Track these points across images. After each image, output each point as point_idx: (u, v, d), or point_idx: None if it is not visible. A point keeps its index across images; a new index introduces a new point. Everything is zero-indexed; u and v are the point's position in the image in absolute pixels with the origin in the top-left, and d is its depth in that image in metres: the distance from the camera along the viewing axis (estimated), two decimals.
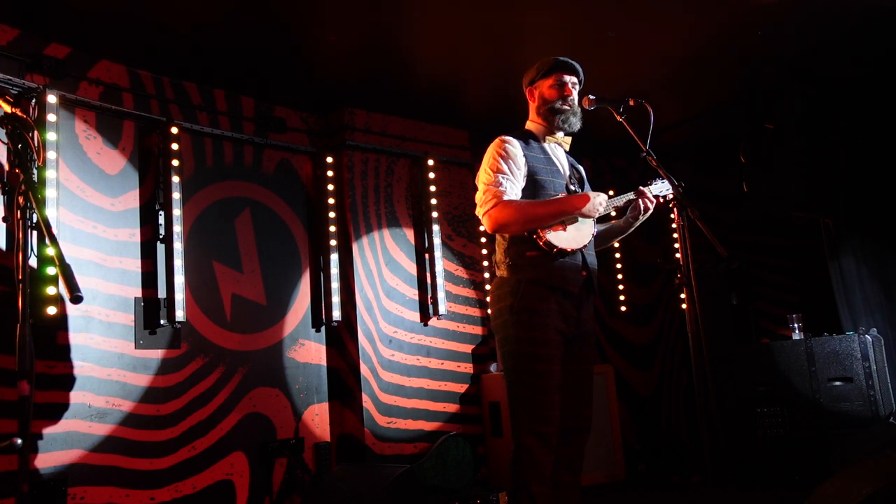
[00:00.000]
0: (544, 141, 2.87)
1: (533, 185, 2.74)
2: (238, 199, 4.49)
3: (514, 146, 2.75)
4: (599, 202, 2.74)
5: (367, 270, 4.80)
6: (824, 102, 4.89)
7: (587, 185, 2.97)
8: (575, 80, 2.87)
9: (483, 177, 2.73)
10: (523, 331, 2.64)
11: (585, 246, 2.76)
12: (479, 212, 2.72)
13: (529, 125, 2.93)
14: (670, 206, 2.71)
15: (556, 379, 2.63)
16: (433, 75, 4.60)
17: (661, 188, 2.92)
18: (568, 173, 2.88)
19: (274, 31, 3.91)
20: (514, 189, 2.69)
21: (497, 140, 2.78)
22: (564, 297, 2.70)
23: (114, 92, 4.01)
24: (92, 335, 3.70)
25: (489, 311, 2.90)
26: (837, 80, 4.91)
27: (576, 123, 2.86)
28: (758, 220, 6.11)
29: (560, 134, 2.91)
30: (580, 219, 2.76)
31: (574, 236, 2.74)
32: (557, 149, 2.91)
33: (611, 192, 5.54)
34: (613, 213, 2.98)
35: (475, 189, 2.77)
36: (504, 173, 2.69)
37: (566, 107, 2.83)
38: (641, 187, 2.90)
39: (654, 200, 2.90)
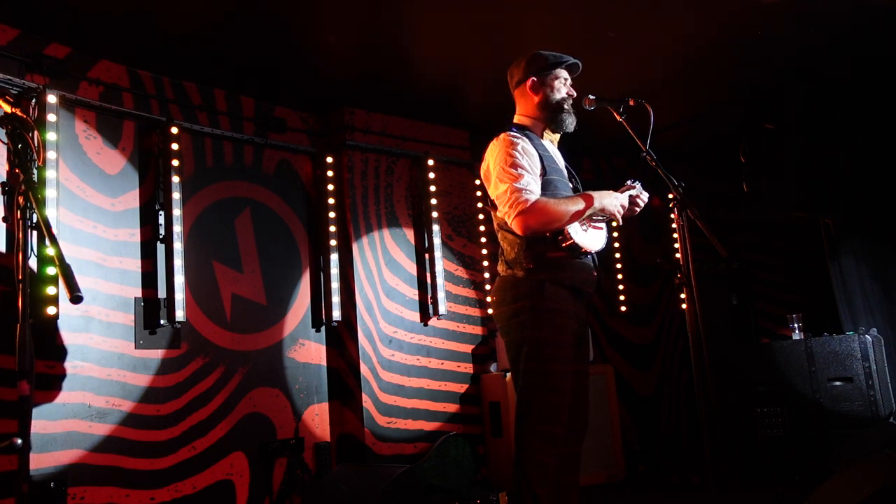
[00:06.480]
0: (542, 138, 2.81)
1: (546, 185, 2.65)
2: (238, 199, 4.49)
3: (528, 143, 2.65)
4: (619, 198, 2.73)
5: (367, 270, 4.80)
6: (824, 102, 4.89)
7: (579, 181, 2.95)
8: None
9: (503, 175, 2.58)
10: (545, 332, 2.57)
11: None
12: (508, 214, 2.56)
13: (526, 121, 2.82)
14: (670, 206, 2.71)
15: (570, 380, 2.60)
16: (433, 75, 4.60)
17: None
18: (565, 171, 2.86)
19: (274, 31, 3.91)
20: (538, 188, 2.59)
21: (505, 138, 2.66)
22: (580, 299, 2.68)
23: (114, 92, 4.01)
24: (92, 335, 3.70)
25: (494, 310, 2.76)
26: (837, 80, 4.91)
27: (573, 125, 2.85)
28: (758, 220, 6.12)
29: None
30: (594, 219, 2.72)
31: (594, 237, 2.72)
32: (551, 145, 2.85)
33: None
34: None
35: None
36: (527, 171, 2.58)
37: (571, 108, 2.80)
38: (632, 192, 2.82)
39: (645, 201, 2.86)
